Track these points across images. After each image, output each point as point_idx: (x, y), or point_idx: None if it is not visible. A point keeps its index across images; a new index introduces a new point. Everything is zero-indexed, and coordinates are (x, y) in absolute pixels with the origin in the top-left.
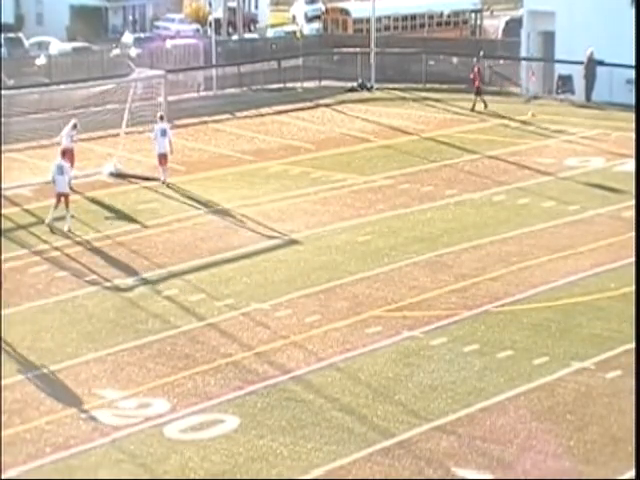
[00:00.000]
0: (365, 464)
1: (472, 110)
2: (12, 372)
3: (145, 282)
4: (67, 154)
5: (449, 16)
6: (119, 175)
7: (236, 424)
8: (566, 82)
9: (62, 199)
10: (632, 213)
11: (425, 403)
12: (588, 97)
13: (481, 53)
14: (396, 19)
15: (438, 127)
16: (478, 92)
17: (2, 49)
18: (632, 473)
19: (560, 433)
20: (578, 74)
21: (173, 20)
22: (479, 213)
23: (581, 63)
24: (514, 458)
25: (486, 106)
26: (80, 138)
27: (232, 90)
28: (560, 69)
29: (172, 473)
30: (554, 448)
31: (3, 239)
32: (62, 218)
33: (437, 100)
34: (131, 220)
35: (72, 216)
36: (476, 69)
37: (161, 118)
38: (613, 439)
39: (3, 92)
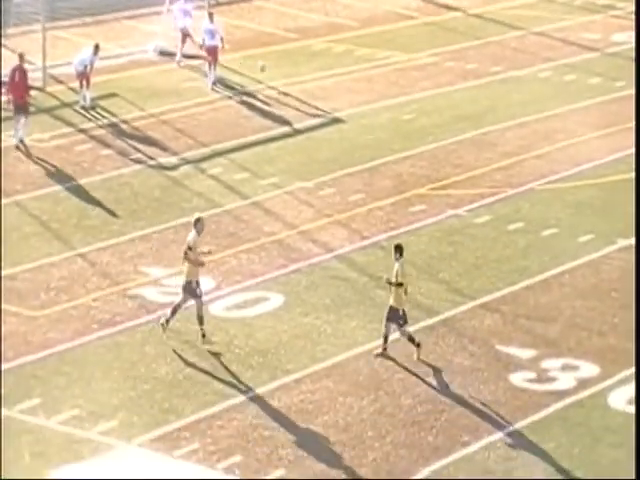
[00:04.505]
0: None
1: None
2: (59, 250)
3: (189, 161)
4: (212, 54)
5: None
6: (164, 53)
7: (281, 302)
8: None
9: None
10: None
11: (469, 281)
12: None
13: None
14: None
15: (484, 3)
16: None
17: None
18: None
19: (604, 310)
20: None
21: None
22: (524, 90)
23: None
24: (558, 336)
25: None
26: (124, 16)
27: None
28: None
29: (217, 349)
30: (598, 325)
31: (48, 117)
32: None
33: None
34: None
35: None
36: None
37: None
38: None
39: None
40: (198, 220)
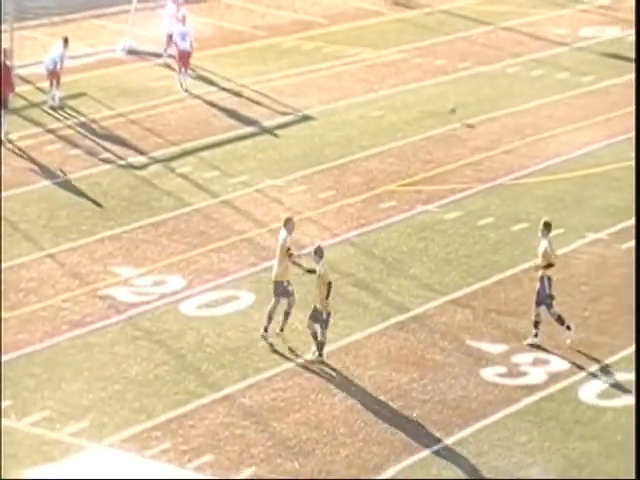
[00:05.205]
0: (380, 338)
1: None
2: (28, 250)
3: (159, 160)
4: (183, 58)
5: None
6: (133, 52)
7: (251, 300)
8: None
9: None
10: None
11: (439, 277)
12: None
13: None
14: None
15: None
16: None
17: None
18: None
19: (574, 304)
20: None
21: None
22: (493, 85)
23: None
24: (529, 330)
25: None
26: (92, 15)
27: None
28: None
29: (188, 349)
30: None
31: (16, 117)
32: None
33: None
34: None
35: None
36: None
37: None
38: (627, 309)
39: None
40: (288, 220)
